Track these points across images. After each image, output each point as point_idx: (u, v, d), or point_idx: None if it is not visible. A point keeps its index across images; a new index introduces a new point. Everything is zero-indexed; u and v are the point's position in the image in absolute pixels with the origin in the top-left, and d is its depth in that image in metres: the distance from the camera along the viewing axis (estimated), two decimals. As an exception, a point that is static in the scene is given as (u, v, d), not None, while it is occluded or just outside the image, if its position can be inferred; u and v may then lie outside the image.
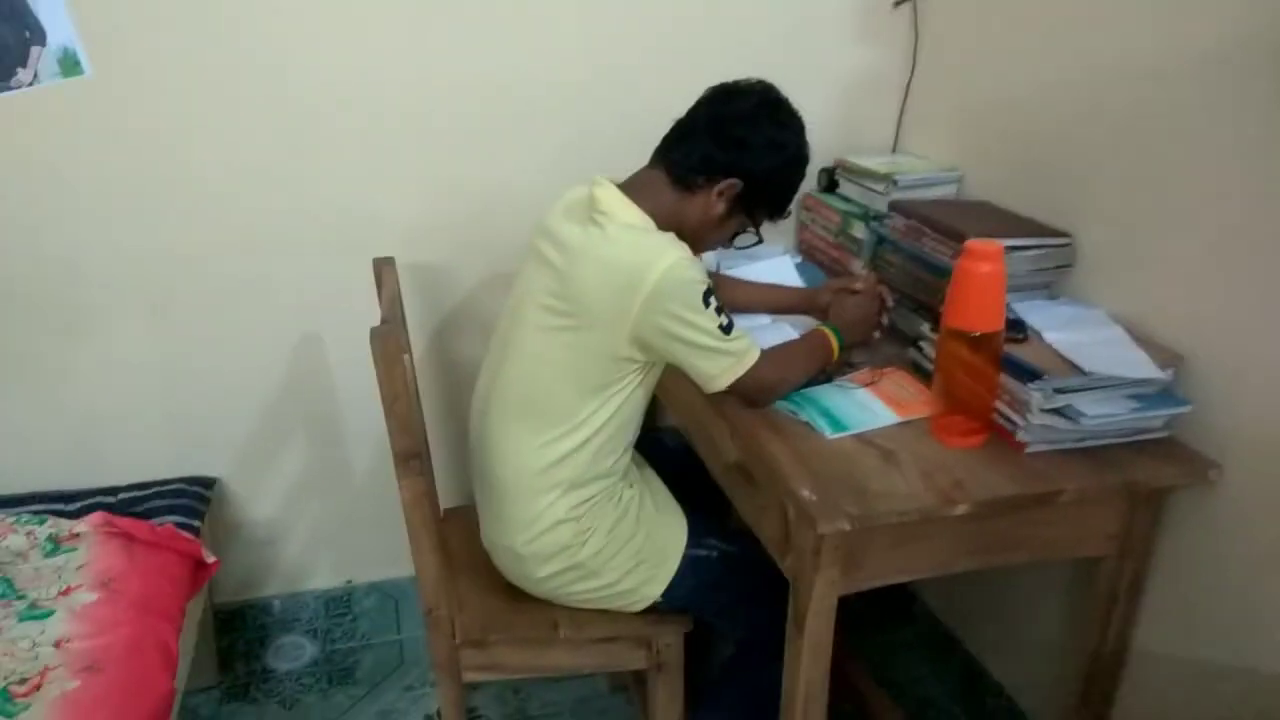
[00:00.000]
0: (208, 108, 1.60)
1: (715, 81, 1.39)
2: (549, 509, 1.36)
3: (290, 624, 2.05)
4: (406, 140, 1.70)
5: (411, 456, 1.23)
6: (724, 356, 1.31)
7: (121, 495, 1.74)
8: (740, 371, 1.33)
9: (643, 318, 1.26)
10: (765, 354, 1.36)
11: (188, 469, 1.83)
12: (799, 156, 1.40)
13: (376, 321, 1.28)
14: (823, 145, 1.90)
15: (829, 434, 1.31)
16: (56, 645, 1.37)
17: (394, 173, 1.72)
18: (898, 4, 1.83)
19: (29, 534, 1.59)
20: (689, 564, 1.43)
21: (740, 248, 1.49)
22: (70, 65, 1.52)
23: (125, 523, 1.61)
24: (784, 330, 1.59)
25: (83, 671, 1.32)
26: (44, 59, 1.50)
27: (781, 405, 1.38)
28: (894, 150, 1.95)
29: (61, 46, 1.50)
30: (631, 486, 1.45)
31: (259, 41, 1.58)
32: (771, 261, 1.86)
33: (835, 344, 1.44)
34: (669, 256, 1.26)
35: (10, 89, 1.50)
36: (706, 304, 1.28)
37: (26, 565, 1.53)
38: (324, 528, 1.98)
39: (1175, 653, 1.34)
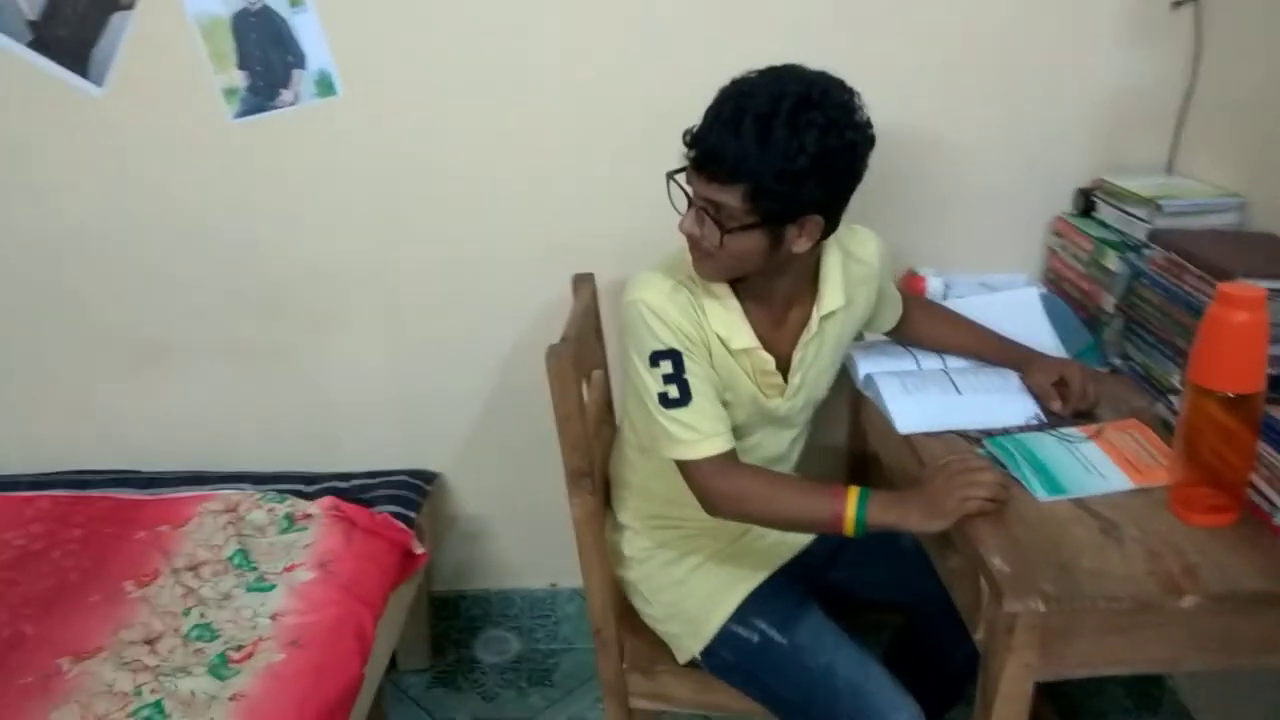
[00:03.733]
0: (440, 127, 1.69)
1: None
2: (630, 510, 1.43)
3: (498, 619, 2.13)
4: (629, 158, 1.70)
5: (583, 475, 1.22)
6: (658, 427, 1.23)
7: (354, 482, 1.88)
8: (679, 454, 1.22)
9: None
10: (731, 464, 1.23)
11: (412, 462, 1.95)
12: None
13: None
14: (1079, 162, 1.71)
15: (1042, 495, 1.16)
16: (272, 618, 1.49)
17: (613, 190, 1.73)
18: (1176, 4, 1.59)
19: (270, 510, 1.75)
20: (727, 636, 1.34)
21: None
22: (325, 86, 1.66)
23: (350, 509, 1.74)
24: (995, 381, 1.43)
25: (288, 646, 1.43)
26: (303, 81, 1.65)
27: (985, 452, 1.24)
28: (1168, 171, 1.71)
29: (319, 69, 1.65)
30: (716, 541, 1.39)
31: (490, 69, 1.65)
32: (1013, 294, 1.69)
33: (852, 514, 1.16)
34: (635, 290, 1.23)
35: (275, 108, 1.67)
36: (654, 364, 1.21)
37: (263, 540, 1.69)
38: (533, 530, 2.04)
39: None
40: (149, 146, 1.70)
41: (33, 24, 1.62)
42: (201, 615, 1.50)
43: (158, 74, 1.65)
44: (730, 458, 1.24)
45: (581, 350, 1.37)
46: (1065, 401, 1.35)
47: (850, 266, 1.34)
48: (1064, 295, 1.69)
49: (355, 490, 1.84)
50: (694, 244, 1.21)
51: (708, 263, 1.21)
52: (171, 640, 1.45)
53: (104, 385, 1.89)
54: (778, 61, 1.18)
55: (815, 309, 1.30)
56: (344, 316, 1.84)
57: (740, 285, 1.27)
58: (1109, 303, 1.55)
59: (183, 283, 1.81)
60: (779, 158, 1.10)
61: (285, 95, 1.66)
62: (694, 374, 1.22)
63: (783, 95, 1.11)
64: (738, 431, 1.29)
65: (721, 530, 1.38)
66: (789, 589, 1.39)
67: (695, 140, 1.15)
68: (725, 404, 1.27)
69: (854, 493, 1.17)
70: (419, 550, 1.75)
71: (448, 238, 1.78)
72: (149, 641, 1.45)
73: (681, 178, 1.19)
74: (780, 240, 1.17)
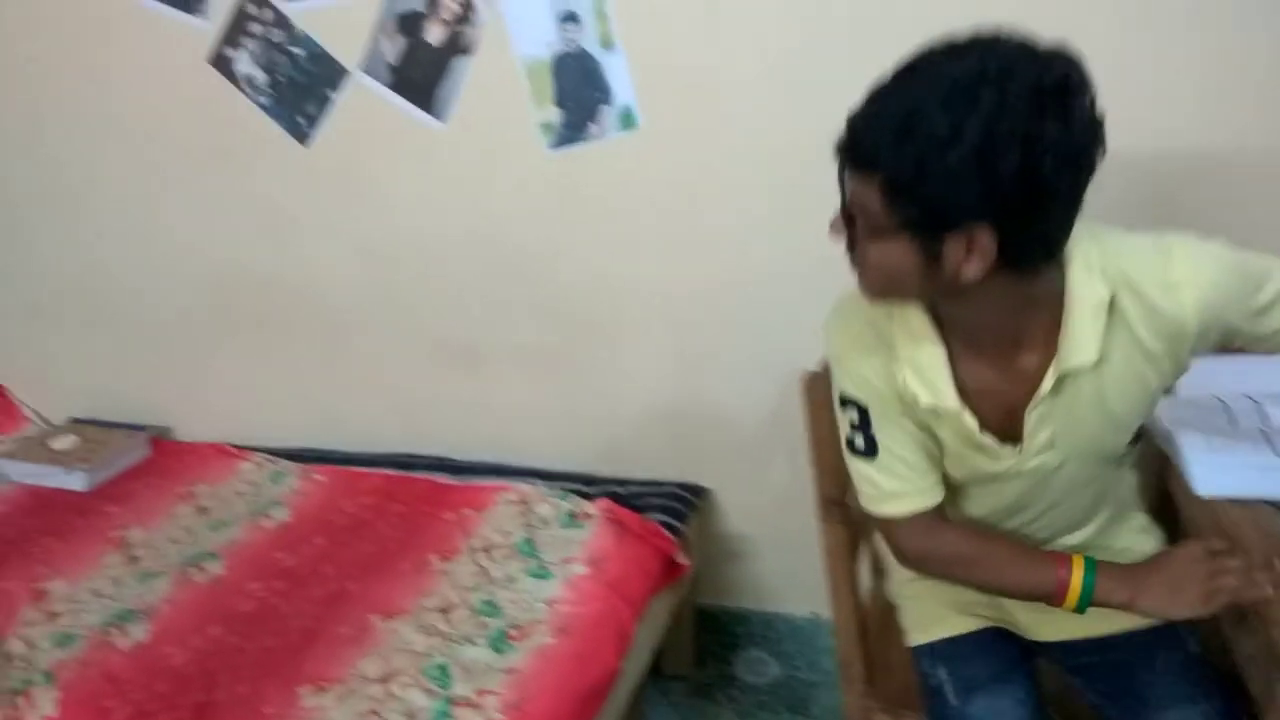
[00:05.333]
0: (728, 158, 1.77)
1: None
2: None
3: (759, 640, 2.16)
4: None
5: (834, 503, 1.22)
6: (852, 471, 1.15)
7: (629, 488, 1.99)
8: (865, 506, 1.15)
9: None
10: (928, 523, 1.11)
11: (684, 474, 2.03)
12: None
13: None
14: None
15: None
16: (547, 604, 1.63)
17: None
18: None
19: (554, 506, 1.90)
20: (919, 656, 1.30)
21: None
22: (628, 120, 1.79)
23: (623, 513, 1.85)
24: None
25: (558, 632, 1.56)
26: (609, 116, 1.80)
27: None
28: None
29: (623, 105, 1.78)
30: None
31: (775, 104, 1.70)
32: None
33: (1078, 585, 1.04)
34: (827, 326, 1.14)
35: (584, 140, 1.83)
36: (843, 405, 1.11)
37: (546, 532, 1.84)
38: (797, 556, 2.04)
39: None
40: (477, 173, 1.93)
41: (392, 68, 1.89)
42: (489, 593, 1.67)
43: (488, 110, 1.87)
44: (928, 516, 1.13)
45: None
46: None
47: (1128, 306, 0.99)
48: None
49: (629, 496, 1.95)
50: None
51: (861, 278, 1.01)
52: (462, 612, 1.63)
53: (426, 381, 2.16)
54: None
55: (1054, 363, 1.01)
56: (633, 330, 1.97)
57: (945, 317, 1.04)
58: None
59: (497, 294, 2.02)
60: (922, 144, 0.85)
61: (593, 129, 1.81)
62: (883, 430, 1.09)
63: (956, 66, 0.85)
64: (964, 488, 1.16)
65: None
66: (1004, 652, 1.24)
67: (848, 117, 0.93)
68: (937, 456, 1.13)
69: (1080, 561, 1.06)
70: (682, 560, 1.82)
71: (731, 259, 1.85)
72: (444, 610, 1.64)
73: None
74: (938, 258, 0.91)
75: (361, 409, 2.25)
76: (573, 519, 1.86)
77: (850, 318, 1.09)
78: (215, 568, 1.80)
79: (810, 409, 1.23)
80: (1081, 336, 0.99)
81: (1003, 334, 1.02)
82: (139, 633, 1.64)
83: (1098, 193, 0.92)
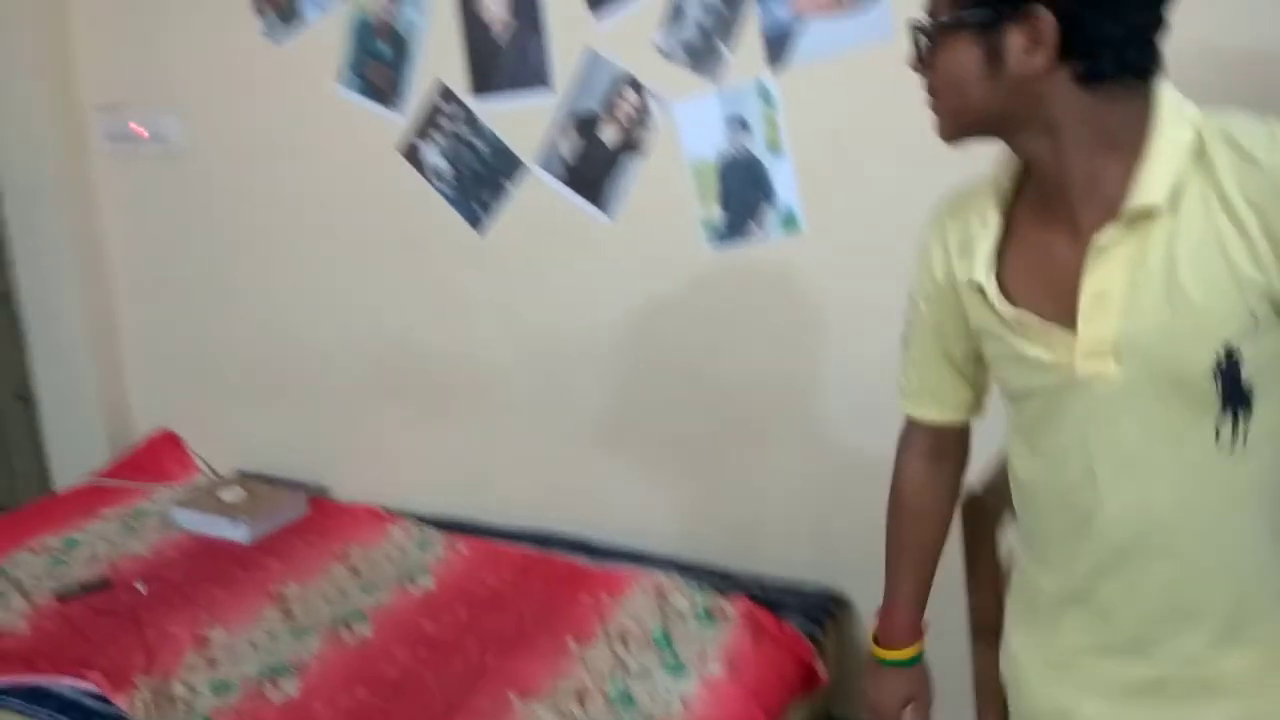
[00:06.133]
0: (882, 267, 1.76)
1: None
2: None
3: (892, 757, 2.07)
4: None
5: (987, 629, 1.18)
6: None
7: (767, 588, 1.97)
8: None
9: None
10: (907, 442, 1.25)
11: (825, 579, 2.00)
12: None
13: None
14: None
15: None
16: (683, 702, 1.62)
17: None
18: None
19: (691, 599, 1.90)
20: None
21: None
22: (790, 223, 1.83)
23: (762, 614, 1.83)
24: None
25: (692, 732, 1.55)
26: (771, 218, 1.84)
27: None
28: None
29: (787, 208, 1.82)
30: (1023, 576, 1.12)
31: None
32: None
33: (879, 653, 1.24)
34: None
35: (744, 239, 1.87)
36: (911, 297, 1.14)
37: (683, 625, 1.84)
38: (941, 678, 1.96)
39: None
40: (640, 266, 2.00)
41: (567, 164, 1.99)
42: (625, 684, 1.67)
43: (654, 207, 1.94)
44: (913, 433, 1.22)
45: (1000, 500, 1.34)
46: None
47: (1218, 154, 0.87)
48: None
49: (768, 596, 1.92)
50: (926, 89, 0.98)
51: (935, 115, 0.97)
52: (597, 699, 1.64)
53: (572, 460, 2.21)
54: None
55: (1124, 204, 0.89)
56: (784, 429, 1.97)
57: (1019, 172, 0.99)
58: None
59: (651, 382, 2.07)
60: None
61: (755, 229, 1.86)
62: (916, 317, 1.13)
63: None
64: (1034, 409, 1.01)
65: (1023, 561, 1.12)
66: None
67: None
68: (992, 365, 1.05)
69: (908, 650, 1.27)
70: (821, 671, 1.78)
71: (890, 368, 1.83)
72: (579, 696, 1.65)
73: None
74: (1000, 56, 0.88)
75: (506, 482, 2.31)
76: (709, 615, 1.85)
77: (941, 210, 1.08)
78: (364, 629, 1.87)
79: (966, 530, 1.20)
80: (1155, 174, 0.87)
81: (1075, 182, 0.92)
82: (290, 688, 1.71)
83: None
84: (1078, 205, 0.92)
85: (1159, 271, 0.88)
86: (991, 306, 0.97)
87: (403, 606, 1.95)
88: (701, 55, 1.82)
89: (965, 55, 0.90)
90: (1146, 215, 0.88)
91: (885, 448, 1.87)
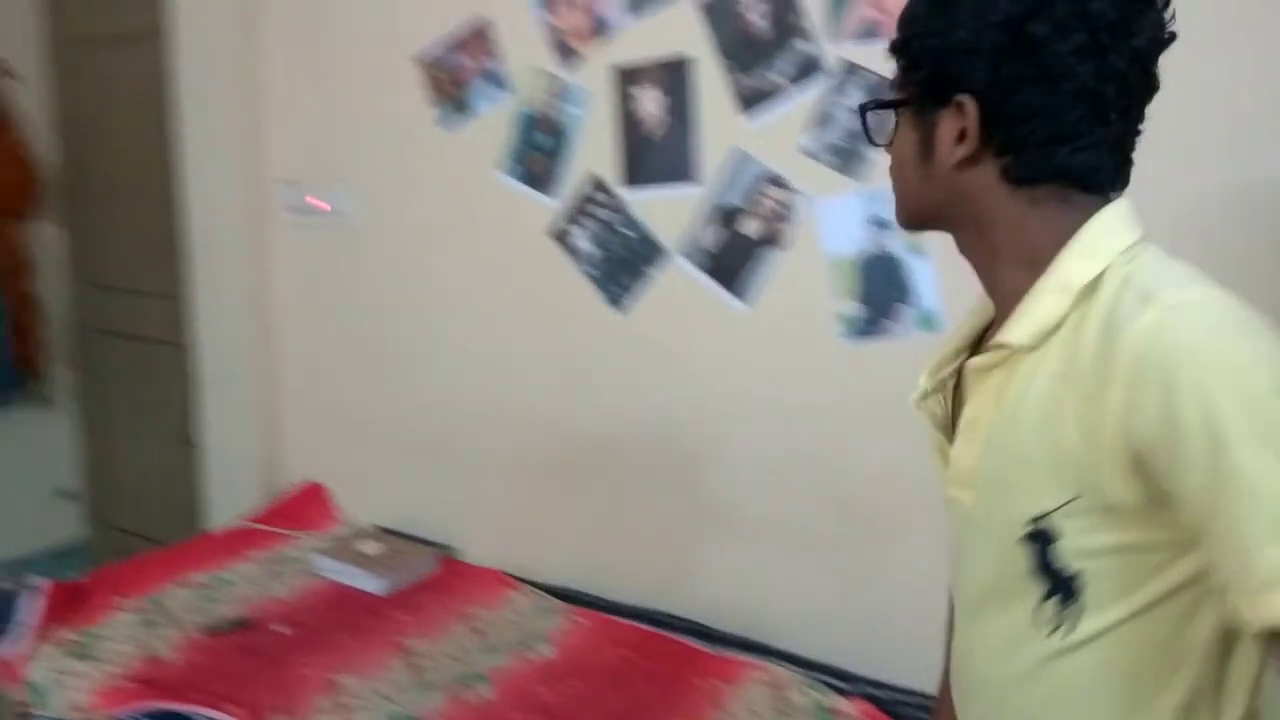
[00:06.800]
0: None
1: None
2: None
3: None
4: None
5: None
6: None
7: (887, 692, 1.92)
8: None
9: None
10: None
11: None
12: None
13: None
14: None
15: None
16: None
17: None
18: None
19: (807, 695, 1.87)
20: None
21: None
22: (927, 322, 1.84)
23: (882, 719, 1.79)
24: None
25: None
26: (909, 316, 1.85)
27: None
28: None
29: (926, 308, 1.83)
30: None
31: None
32: None
33: None
34: None
35: (880, 335, 1.89)
36: None
37: (797, 720, 1.82)
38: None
39: None
40: (774, 355, 2.04)
41: (708, 253, 2.07)
42: (736, 776, 1.66)
43: (791, 298, 1.99)
44: None
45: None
46: None
47: (1100, 300, 0.77)
48: None
49: (890, 703, 1.88)
50: None
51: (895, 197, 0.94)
52: (707, 786, 1.63)
53: (697, 544, 2.23)
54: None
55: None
56: (914, 531, 1.94)
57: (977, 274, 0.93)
58: None
59: (781, 472, 2.08)
60: (958, 22, 0.79)
61: (892, 326, 1.87)
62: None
63: None
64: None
65: None
66: None
67: None
68: None
69: None
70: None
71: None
72: (690, 783, 1.65)
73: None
74: (931, 141, 0.84)
75: (628, 559, 2.35)
76: (827, 713, 1.83)
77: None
78: (485, 691, 1.92)
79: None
80: (1027, 309, 0.81)
81: (995, 290, 0.89)
82: (413, 741, 1.77)
83: None
84: (1000, 318, 0.88)
85: (1010, 408, 0.83)
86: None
87: (522, 672, 1.99)
88: (847, 157, 1.87)
89: (905, 139, 0.88)
90: (1014, 354, 0.83)
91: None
